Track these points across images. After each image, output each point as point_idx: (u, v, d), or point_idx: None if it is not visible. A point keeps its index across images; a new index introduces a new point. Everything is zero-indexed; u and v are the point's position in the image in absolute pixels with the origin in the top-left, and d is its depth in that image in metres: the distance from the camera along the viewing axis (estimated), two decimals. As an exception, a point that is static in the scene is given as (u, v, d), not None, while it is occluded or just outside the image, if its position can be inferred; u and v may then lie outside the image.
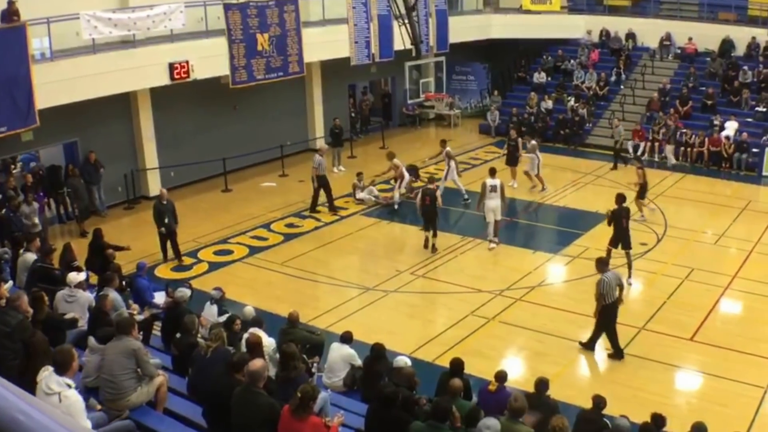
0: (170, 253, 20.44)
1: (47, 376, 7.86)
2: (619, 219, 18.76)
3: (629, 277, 18.75)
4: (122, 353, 9.24)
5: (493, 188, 20.95)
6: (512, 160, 26.44)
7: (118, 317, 10.13)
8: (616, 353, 15.30)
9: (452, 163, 25.10)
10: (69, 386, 7.82)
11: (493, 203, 20.91)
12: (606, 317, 15.09)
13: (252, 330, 12.22)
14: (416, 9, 27.31)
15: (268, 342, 12.09)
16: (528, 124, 33.80)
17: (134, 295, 15.35)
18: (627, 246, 18.86)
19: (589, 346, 15.57)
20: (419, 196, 21.09)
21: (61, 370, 7.94)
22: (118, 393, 9.08)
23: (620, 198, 18.98)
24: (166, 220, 19.98)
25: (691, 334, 16.15)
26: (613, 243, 18.82)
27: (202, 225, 23.18)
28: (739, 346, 15.51)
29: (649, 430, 9.71)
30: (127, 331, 9.49)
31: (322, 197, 24.40)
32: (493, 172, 21.59)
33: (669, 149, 29.74)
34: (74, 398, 7.74)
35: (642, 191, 22.93)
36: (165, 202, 20.13)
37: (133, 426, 8.23)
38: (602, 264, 15.32)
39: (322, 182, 23.96)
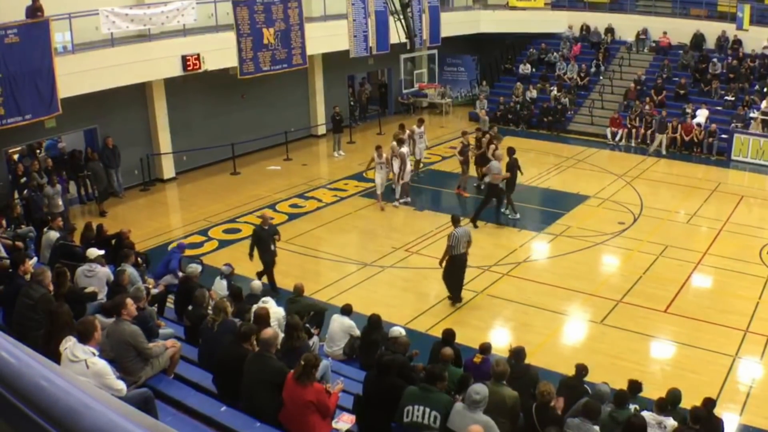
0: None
1: (72, 345, 7.77)
2: (512, 168, 21.10)
3: (506, 209, 21.76)
4: (120, 341, 9.06)
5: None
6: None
7: (114, 299, 9.86)
8: (455, 298, 16.47)
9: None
10: (93, 353, 7.75)
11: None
12: (454, 266, 16.16)
13: (264, 299, 12.32)
14: (410, 5, 27.22)
15: (278, 310, 12.19)
16: (514, 112, 33.82)
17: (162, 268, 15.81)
18: (511, 190, 21.36)
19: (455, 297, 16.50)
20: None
21: (84, 339, 7.84)
22: (128, 373, 8.97)
23: (511, 150, 21.77)
24: (273, 247, 16.91)
25: (665, 306, 16.14)
26: (510, 189, 21.25)
27: (212, 205, 23.16)
28: (710, 318, 15.52)
29: (623, 397, 9.67)
30: (117, 311, 9.25)
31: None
32: (401, 142, 23.18)
33: (660, 138, 29.38)
34: (100, 363, 7.65)
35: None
36: (267, 228, 16.98)
37: (151, 394, 8.16)
38: (455, 221, 16.46)
39: (493, 190, 21.44)
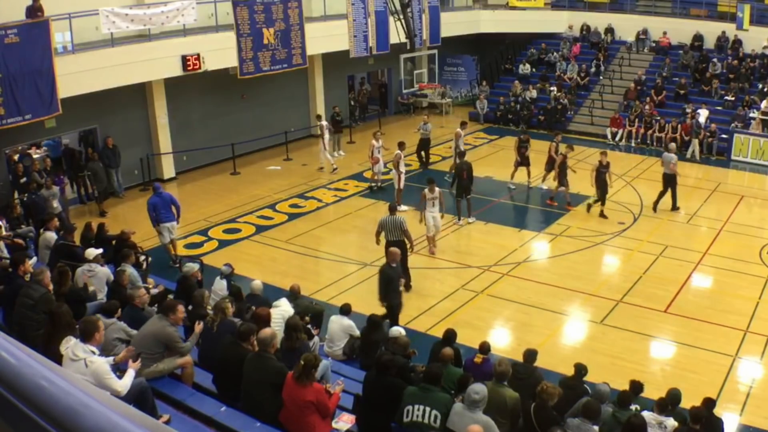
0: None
1: (73, 344, 7.84)
2: (460, 172, 20.98)
3: (468, 216, 21.38)
4: (154, 335, 9.11)
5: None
6: (525, 161, 24.89)
7: (168, 300, 9.97)
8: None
9: None
10: (93, 353, 7.80)
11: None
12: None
13: (278, 301, 12.46)
14: (410, 5, 27.24)
15: (290, 311, 12.16)
16: (514, 112, 33.81)
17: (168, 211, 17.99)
18: (465, 194, 21.02)
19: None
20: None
21: (86, 338, 7.93)
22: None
23: (461, 155, 22.25)
24: (402, 288, 15.15)
25: (665, 306, 16.13)
26: (459, 193, 21.07)
27: (212, 206, 23.15)
28: (710, 318, 15.51)
29: (627, 397, 9.67)
30: (166, 312, 9.36)
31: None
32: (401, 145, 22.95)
33: (696, 144, 28.79)
34: (99, 362, 7.74)
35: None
36: (394, 266, 14.75)
37: (146, 384, 8.19)
38: (390, 209, 17.04)
39: (671, 180, 22.08)
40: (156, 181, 18.22)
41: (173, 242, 18.64)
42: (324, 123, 27.10)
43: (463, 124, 26.29)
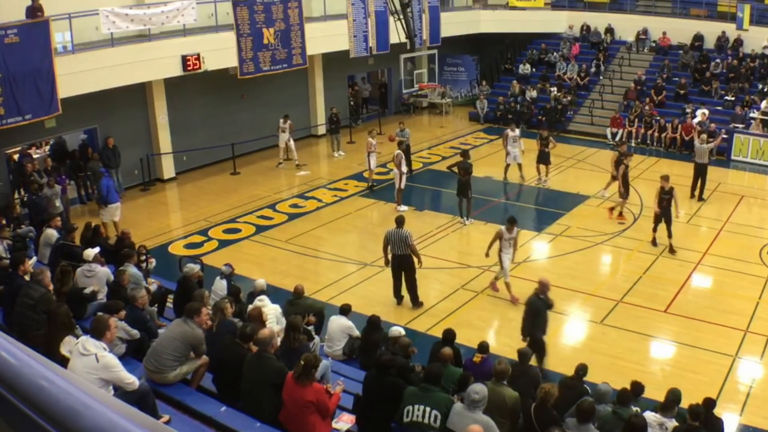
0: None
1: (84, 339, 7.94)
2: (459, 169, 20.96)
3: (467, 218, 21.35)
4: (180, 337, 9.07)
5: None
6: (544, 158, 24.86)
7: (190, 303, 9.97)
8: (395, 295, 16.41)
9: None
10: (104, 348, 7.85)
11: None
12: (393, 266, 16.13)
13: (259, 298, 12.45)
14: (410, 5, 27.23)
15: (273, 307, 12.28)
16: (514, 112, 33.78)
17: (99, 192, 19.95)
18: (463, 195, 21.01)
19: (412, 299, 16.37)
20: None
21: (97, 335, 8.01)
22: (158, 367, 9.00)
23: (463, 154, 21.80)
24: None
25: (665, 306, 16.13)
26: (459, 191, 21.15)
27: (212, 205, 23.16)
28: (710, 318, 15.51)
29: (627, 396, 9.67)
30: (191, 315, 9.35)
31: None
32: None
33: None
34: (109, 357, 7.83)
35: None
36: (543, 297, 12.97)
37: (147, 387, 8.19)
38: (397, 222, 16.18)
39: (703, 170, 23.49)
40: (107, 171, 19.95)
41: (116, 223, 19.88)
42: (289, 122, 27.79)
43: (516, 125, 26.73)
